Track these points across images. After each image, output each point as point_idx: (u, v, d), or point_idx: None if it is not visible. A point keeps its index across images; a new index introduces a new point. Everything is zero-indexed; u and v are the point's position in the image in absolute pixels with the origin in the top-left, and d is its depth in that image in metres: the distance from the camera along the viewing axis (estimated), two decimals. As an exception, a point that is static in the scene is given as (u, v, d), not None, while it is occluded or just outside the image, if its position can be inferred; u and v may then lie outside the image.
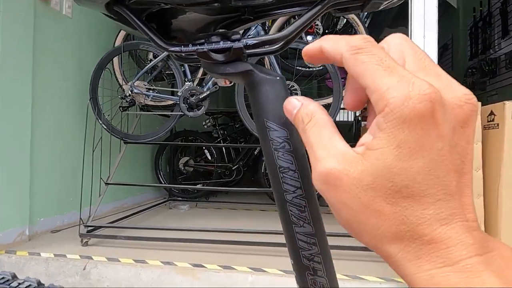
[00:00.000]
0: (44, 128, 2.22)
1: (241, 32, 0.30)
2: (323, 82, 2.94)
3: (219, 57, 0.25)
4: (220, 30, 0.26)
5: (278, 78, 0.25)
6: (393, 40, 0.21)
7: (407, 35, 1.52)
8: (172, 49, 0.25)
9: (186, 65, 2.33)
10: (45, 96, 2.22)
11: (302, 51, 0.23)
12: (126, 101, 2.27)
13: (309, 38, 2.61)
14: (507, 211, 1.38)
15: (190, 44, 0.25)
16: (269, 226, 1.94)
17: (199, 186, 3.45)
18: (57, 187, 2.33)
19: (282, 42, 0.25)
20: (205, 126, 3.45)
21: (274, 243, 1.74)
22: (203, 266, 1.64)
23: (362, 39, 0.20)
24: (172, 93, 2.45)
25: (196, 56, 0.25)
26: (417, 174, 0.18)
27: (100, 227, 2.04)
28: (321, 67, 2.35)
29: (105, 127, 2.23)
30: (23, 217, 2.01)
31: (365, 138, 0.19)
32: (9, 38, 1.90)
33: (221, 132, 3.54)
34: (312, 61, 0.23)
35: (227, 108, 4.35)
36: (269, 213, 2.93)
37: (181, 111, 2.21)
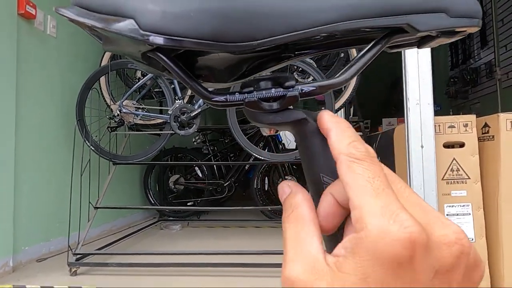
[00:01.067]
0: (29, 152, 2.13)
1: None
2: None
3: (272, 106, 0.22)
4: (269, 75, 0.23)
5: None
6: (386, 169, 0.21)
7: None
8: (217, 99, 0.22)
9: (176, 83, 2.29)
10: (29, 118, 2.14)
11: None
12: (115, 121, 2.21)
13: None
14: (507, 222, 1.38)
15: (237, 93, 0.22)
16: (265, 245, 1.89)
17: (190, 205, 3.38)
18: (43, 212, 2.22)
19: (339, 87, 0.22)
20: (195, 143, 3.40)
21: (272, 264, 1.69)
22: (201, 292, 1.57)
23: (364, 151, 0.19)
24: (162, 111, 2.40)
25: (239, 104, 0.22)
26: None
27: (89, 254, 1.95)
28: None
29: (93, 148, 2.15)
30: (6, 246, 1.90)
31: (340, 247, 0.18)
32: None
33: (211, 148, 3.49)
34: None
35: (216, 123, 4.31)
36: (264, 230, 2.87)
37: (172, 130, 2.16)
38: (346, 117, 3.42)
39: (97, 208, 2.06)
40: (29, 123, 2.13)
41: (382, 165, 0.20)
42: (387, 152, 1.85)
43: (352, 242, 0.17)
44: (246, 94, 0.22)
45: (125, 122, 2.25)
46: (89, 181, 1.99)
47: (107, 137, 2.27)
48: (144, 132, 2.51)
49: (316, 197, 0.23)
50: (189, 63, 0.28)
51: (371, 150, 0.20)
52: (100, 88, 2.38)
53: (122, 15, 0.20)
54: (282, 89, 0.22)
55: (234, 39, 0.20)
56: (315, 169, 0.22)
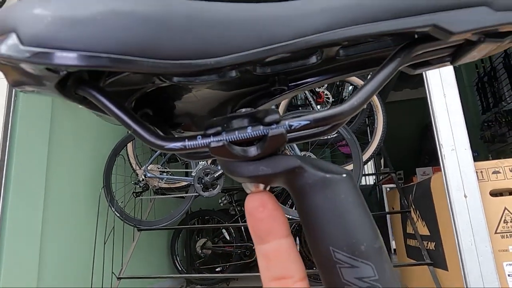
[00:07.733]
0: (56, 220, 2.13)
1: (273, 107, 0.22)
2: (337, 150, 2.89)
3: (249, 151, 0.16)
4: (244, 110, 0.17)
5: (344, 175, 0.15)
6: None
7: (418, 95, 1.46)
8: (171, 146, 0.16)
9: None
10: (58, 187, 2.18)
11: None
12: (140, 186, 2.22)
13: (318, 107, 2.60)
14: None
15: (199, 137, 0.16)
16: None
17: (218, 270, 3.20)
18: (66, 283, 2.15)
19: (345, 118, 0.16)
20: (221, 204, 3.33)
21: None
22: None
23: None
24: (186, 174, 2.39)
25: (203, 151, 0.16)
26: None
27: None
28: (337, 134, 2.30)
29: (118, 214, 2.13)
30: (27, 323, 1.82)
31: None
32: (26, 125, 1.93)
33: (238, 208, 3.39)
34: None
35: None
36: (298, 297, 2.62)
37: (196, 192, 2.12)
38: (377, 169, 3.27)
39: (120, 278, 1.97)
40: (58, 193, 2.17)
41: None
42: (425, 203, 1.69)
43: None
44: (211, 137, 0.16)
45: (150, 187, 2.25)
46: (113, 249, 1.94)
47: (132, 202, 2.26)
48: (169, 196, 2.49)
49: (326, 276, 0.16)
50: (164, 111, 0.23)
51: None
52: (127, 154, 2.43)
53: (6, 31, 0.14)
54: (262, 127, 0.16)
55: (178, 54, 0.13)
56: (321, 240, 0.15)
